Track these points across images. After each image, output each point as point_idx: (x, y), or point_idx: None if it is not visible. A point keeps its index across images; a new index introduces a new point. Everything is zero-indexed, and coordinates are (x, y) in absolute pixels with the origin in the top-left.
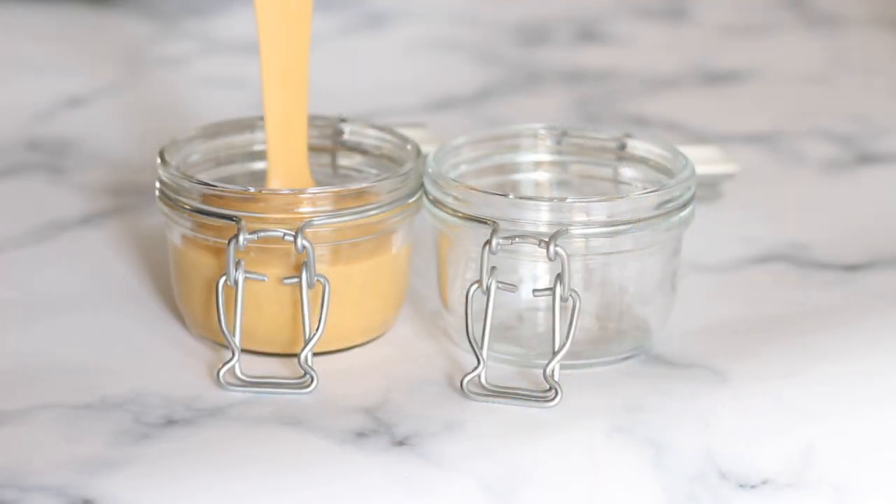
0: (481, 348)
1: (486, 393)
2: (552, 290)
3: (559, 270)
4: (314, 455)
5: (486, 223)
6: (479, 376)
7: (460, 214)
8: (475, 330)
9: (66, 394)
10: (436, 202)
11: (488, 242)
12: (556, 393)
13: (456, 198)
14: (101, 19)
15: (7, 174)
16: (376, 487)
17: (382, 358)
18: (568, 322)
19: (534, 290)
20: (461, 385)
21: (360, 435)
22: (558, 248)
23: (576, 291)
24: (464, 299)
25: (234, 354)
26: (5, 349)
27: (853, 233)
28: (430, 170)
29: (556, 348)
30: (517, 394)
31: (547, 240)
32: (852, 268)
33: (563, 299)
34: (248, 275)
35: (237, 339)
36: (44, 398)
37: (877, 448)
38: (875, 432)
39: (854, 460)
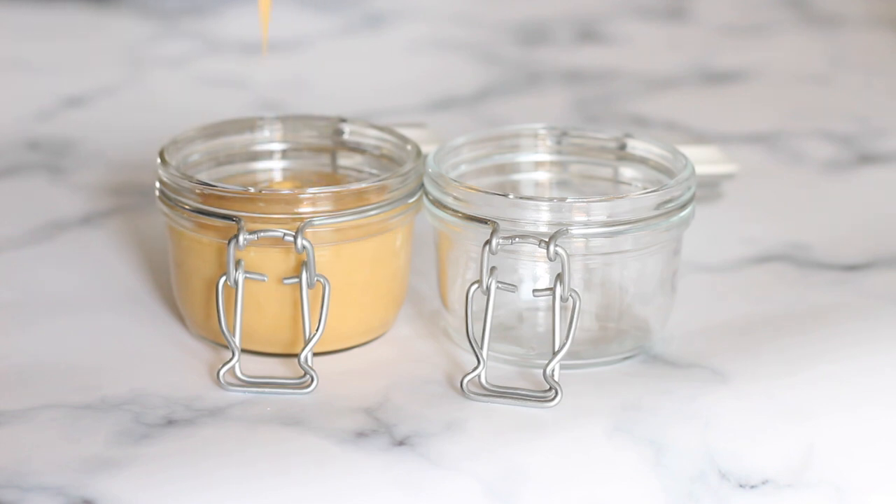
0: (481, 348)
1: (486, 393)
2: (552, 290)
3: (559, 270)
4: (314, 455)
5: (486, 223)
6: (479, 376)
7: (460, 214)
8: (475, 330)
9: (66, 394)
10: (436, 202)
11: (488, 242)
12: (556, 393)
13: (456, 198)
14: (101, 19)
15: (7, 174)
16: (376, 487)
17: (382, 358)
18: (568, 322)
19: (534, 290)
20: (461, 385)
21: (360, 435)
22: (558, 248)
23: (576, 291)
24: (464, 299)
25: (234, 354)
26: (5, 349)
27: (853, 233)
28: (430, 170)
29: (556, 348)
30: (517, 394)
31: (547, 240)
32: (852, 268)
33: (563, 299)
34: (248, 275)
35: (237, 339)
36: (44, 398)
37: (876, 447)
38: (875, 432)
39: (854, 460)
